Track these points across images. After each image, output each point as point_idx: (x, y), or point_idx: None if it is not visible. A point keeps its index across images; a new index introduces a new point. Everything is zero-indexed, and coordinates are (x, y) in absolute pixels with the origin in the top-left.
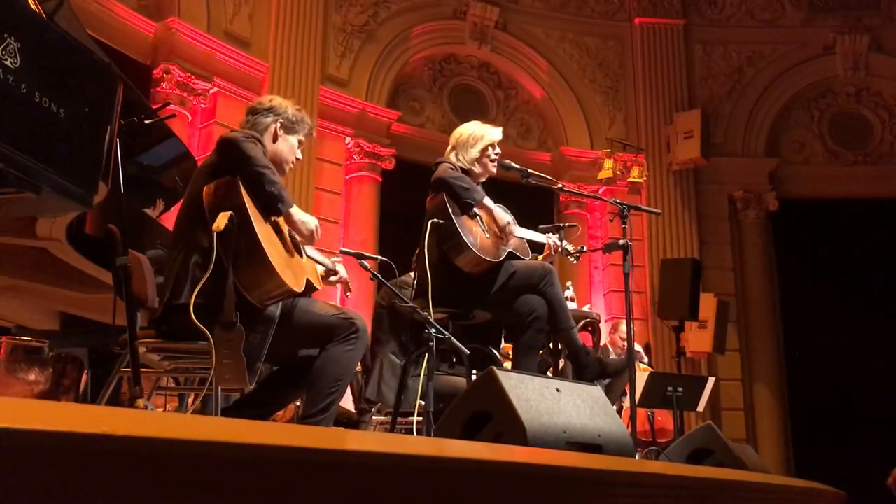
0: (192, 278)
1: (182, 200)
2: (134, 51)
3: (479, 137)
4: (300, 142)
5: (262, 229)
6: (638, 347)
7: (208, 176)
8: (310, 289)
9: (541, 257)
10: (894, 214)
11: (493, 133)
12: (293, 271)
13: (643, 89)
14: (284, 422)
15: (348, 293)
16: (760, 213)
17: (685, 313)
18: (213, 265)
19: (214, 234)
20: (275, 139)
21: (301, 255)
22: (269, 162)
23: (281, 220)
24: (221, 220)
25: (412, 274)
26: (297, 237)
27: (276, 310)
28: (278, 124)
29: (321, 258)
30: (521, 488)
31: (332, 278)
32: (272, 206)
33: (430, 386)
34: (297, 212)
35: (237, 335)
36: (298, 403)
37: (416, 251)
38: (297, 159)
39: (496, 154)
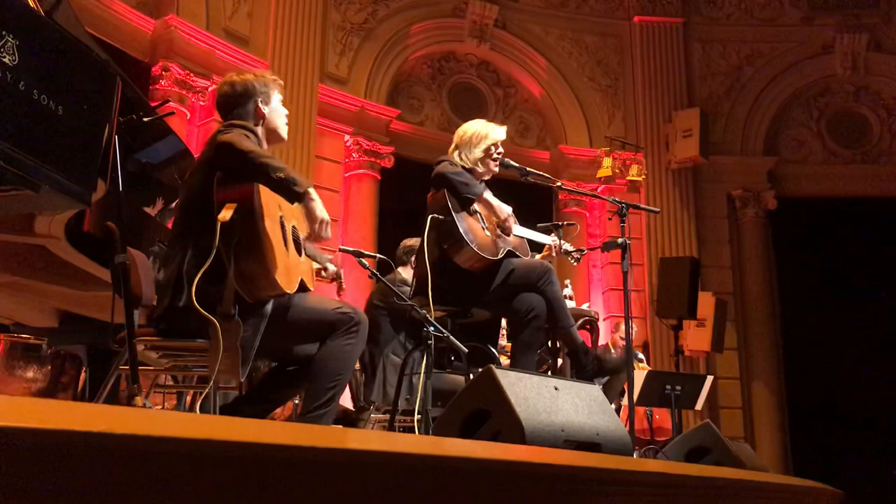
0: (190, 277)
1: (179, 199)
2: (133, 48)
3: (482, 137)
4: (280, 99)
5: (269, 225)
6: (640, 356)
7: (205, 173)
8: (303, 289)
9: (539, 256)
10: (892, 213)
11: (498, 132)
12: (288, 272)
13: (642, 87)
14: (283, 420)
15: (340, 290)
16: (759, 211)
17: (684, 312)
18: (214, 255)
19: (218, 223)
20: (262, 115)
21: (300, 254)
22: (266, 151)
23: (285, 214)
24: (227, 212)
25: (400, 270)
26: (304, 229)
27: (268, 305)
28: (259, 101)
29: (316, 254)
30: (519, 487)
31: (324, 274)
32: (288, 190)
33: (428, 384)
34: (315, 195)
35: (234, 327)
36: (297, 401)
37: (399, 246)
38: (286, 114)
39: (499, 153)
